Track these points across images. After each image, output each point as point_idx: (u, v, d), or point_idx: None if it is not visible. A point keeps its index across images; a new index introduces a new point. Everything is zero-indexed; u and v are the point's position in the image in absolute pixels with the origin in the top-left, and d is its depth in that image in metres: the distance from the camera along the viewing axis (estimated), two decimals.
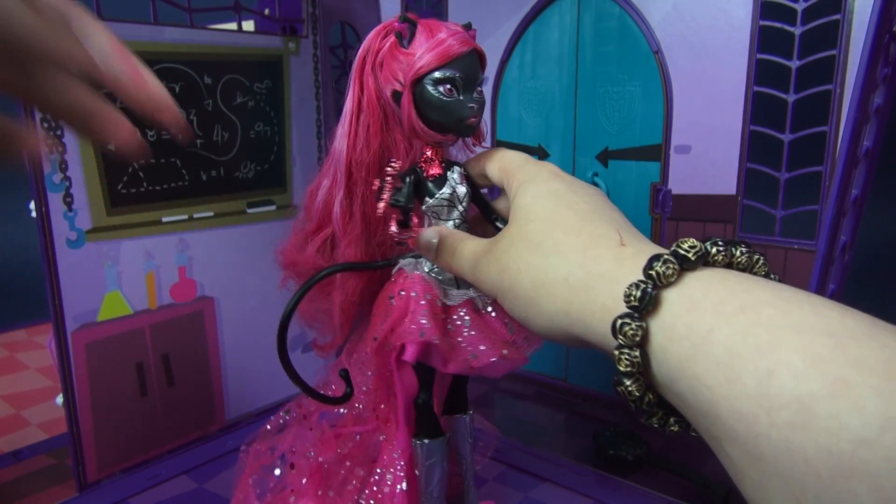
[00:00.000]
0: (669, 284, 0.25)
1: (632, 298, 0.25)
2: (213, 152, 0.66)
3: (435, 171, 0.40)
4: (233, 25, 0.69)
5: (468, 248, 0.37)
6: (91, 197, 0.57)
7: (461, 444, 0.47)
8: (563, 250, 0.31)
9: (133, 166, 0.60)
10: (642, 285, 0.25)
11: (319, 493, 0.48)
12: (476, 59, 0.38)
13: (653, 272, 0.25)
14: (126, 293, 0.61)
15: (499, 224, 0.41)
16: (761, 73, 0.54)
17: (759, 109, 0.55)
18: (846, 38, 0.49)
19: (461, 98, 0.38)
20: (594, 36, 0.63)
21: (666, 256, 0.25)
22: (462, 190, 0.41)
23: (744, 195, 0.57)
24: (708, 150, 0.58)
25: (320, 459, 0.48)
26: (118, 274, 0.60)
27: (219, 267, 0.68)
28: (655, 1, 0.59)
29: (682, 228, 0.61)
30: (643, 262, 0.26)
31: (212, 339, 0.69)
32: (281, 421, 0.51)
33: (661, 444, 0.66)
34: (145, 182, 0.61)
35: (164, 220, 0.63)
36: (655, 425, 0.28)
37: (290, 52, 0.72)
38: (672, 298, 0.25)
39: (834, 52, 0.50)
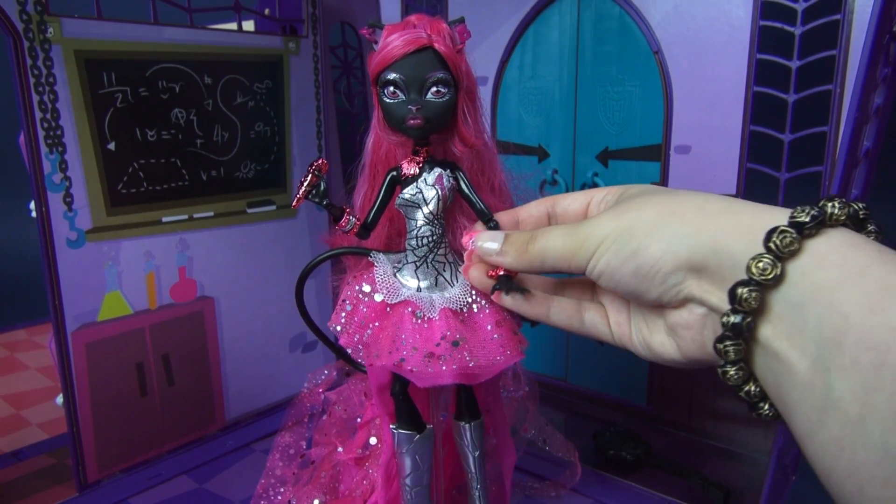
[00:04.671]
0: (834, 224, 0.26)
1: (799, 214, 0.26)
2: (213, 152, 0.66)
3: (409, 170, 0.41)
4: (233, 25, 0.69)
5: (556, 227, 0.36)
6: (91, 197, 0.57)
7: (462, 453, 0.47)
8: (696, 193, 0.31)
9: (133, 166, 0.60)
10: (810, 209, 0.26)
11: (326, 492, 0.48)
12: (431, 57, 0.38)
13: (825, 208, 0.26)
14: (126, 293, 0.61)
15: (491, 224, 0.41)
16: (761, 73, 0.54)
17: (759, 109, 0.55)
18: (846, 38, 0.49)
19: (404, 99, 0.38)
20: (594, 36, 0.63)
21: (839, 201, 0.26)
22: (431, 193, 0.41)
23: (744, 195, 0.57)
24: (708, 150, 0.58)
25: (339, 450, 0.50)
26: (118, 274, 0.60)
27: (219, 267, 0.68)
28: (655, 1, 0.59)
29: None
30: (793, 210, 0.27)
31: (212, 339, 0.69)
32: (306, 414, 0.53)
33: (661, 444, 0.66)
34: (145, 182, 0.61)
35: (164, 220, 0.63)
36: (733, 377, 0.29)
37: (290, 52, 0.72)
38: (832, 233, 0.26)
39: (834, 52, 0.50)
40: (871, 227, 0.28)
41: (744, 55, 0.55)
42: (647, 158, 0.62)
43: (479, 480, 0.47)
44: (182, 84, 0.62)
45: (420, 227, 0.41)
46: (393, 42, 0.37)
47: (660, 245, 0.30)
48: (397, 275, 0.43)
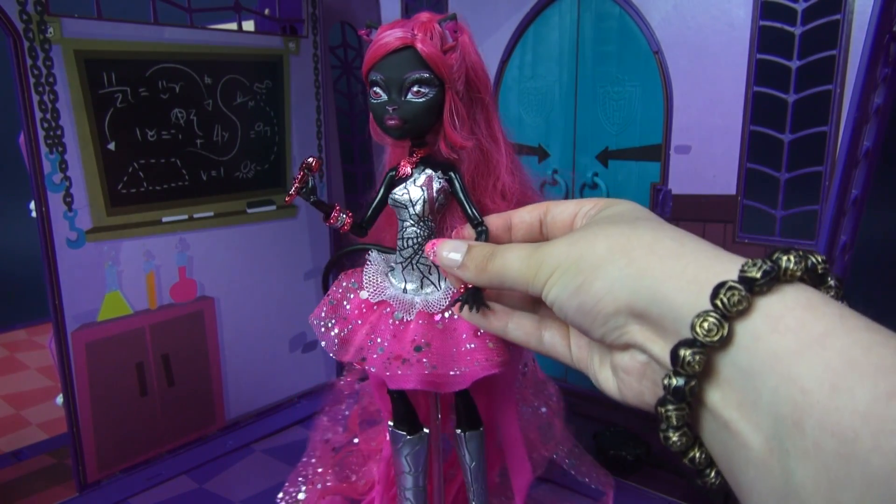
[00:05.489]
0: (790, 280, 0.24)
1: (750, 269, 0.23)
2: (213, 152, 0.66)
3: (403, 171, 0.41)
4: (233, 25, 0.69)
5: (517, 246, 0.34)
6: (91, 197, 0.57)
7: (460, 462, 0.46)
8: (655, 227, 0.29)
9: (133, 166, 0.60)
10: (762, 263, 0.23)
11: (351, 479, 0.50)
12: (411, 57, 0.37)
13: (779, 261, 0.24)
14: (126, 293, 0.61)
15: (480, 229, 0.40)
16: (761, 73, 0.54)
17: (759, 109, 0.55)
18: (846, 38, 0.49)
19: (385, 100, 0.38)
20: (594, 36, 0.63)
21: (794, 254, 0.24)
22: (417, 194, 0.40)
23: (744, 195, 0.57)
24: (708, 150, 0.58)
25: (355, 441, 0.51)
26: (118, 274, 0.60)
27: (219, 267, 0.68)
28: (655, 1, 0.59)
29: (682, 228, 0.61)
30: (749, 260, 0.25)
31: (212, 339, 0.69)
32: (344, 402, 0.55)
33: (662, 444, 0.66)
34: (145, 182, 0.61)
35: (164, 220, 0.63)
36: (675, 444, 0.27)
37: (290, 52, 0.72)
38: (788, 290, 0.24)
39: (834, 52, 0.50)
40: (831, 282, 0.25)
41: (744, 55, 0.55)
42: (647, 158, 0.62)
43: (476, 492, 0.46)
44: (182, 84, 0.62)
45: (406, 229, 0.41)
46: (377, 42, 0.37)
47: (603, 284, 0.28)
48: (389, 274, 0.43)
